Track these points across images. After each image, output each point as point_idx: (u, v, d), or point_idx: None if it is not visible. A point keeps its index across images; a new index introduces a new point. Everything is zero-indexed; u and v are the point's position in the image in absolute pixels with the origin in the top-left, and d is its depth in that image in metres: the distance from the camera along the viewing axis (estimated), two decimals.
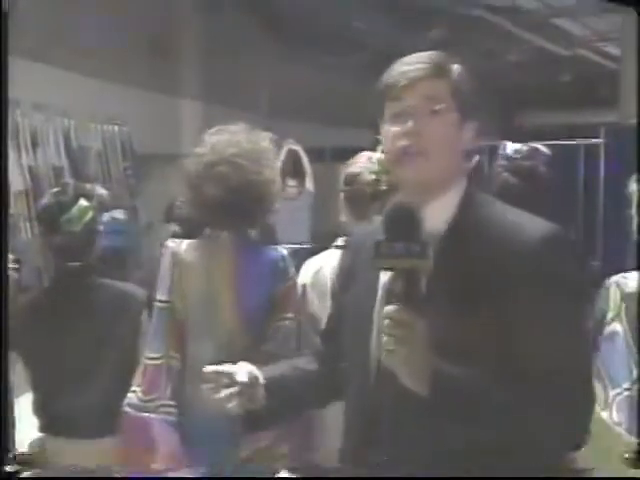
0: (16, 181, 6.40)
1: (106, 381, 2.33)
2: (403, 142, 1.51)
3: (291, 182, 7.65)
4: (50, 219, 2.46)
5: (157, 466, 2.22)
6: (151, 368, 2.31)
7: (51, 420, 2.48)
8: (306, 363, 1.74)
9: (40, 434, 2.50)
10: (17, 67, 6.87)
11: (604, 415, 2.15)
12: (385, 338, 1.37)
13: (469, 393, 1.40)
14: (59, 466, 2.39)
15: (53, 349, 2.46)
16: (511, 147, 2.45)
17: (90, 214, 2.44)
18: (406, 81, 1.52)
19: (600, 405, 2.13)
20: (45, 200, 2.52)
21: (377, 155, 2.43)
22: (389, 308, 1.38)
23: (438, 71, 1.53)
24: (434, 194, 1.51)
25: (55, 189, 2.56)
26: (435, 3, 8.32)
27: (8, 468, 1.67)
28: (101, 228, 2.49)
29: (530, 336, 1.42)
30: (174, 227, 2.48)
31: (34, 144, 6.63)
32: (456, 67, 1.57)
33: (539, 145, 2.50)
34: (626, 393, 2.13)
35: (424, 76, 1.52)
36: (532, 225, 1.49)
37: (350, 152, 2.63)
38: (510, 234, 1.47)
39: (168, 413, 2.30)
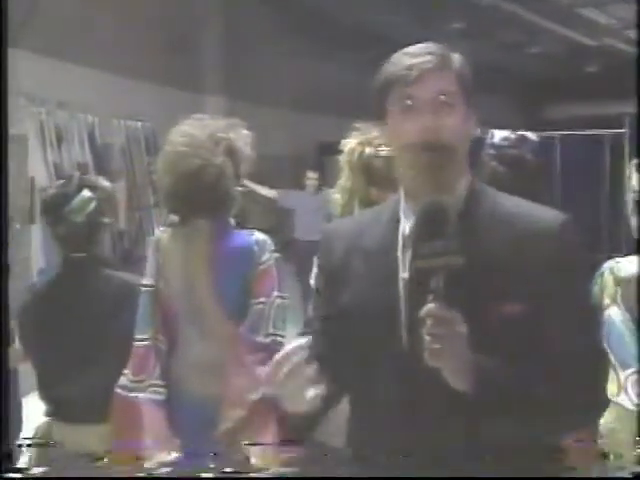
0: (41, 177, 6.51)
1: (108, 368, 2.34)
2: (419, 136, 1.45)
3: (311, 174, 7.64)
4: (54, 210, 2.46)
5: (144, 444, 2.26)
6: (139, 349, 2.35)
7: (56, 405, 2.50)
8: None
9: (46, 419, 2.53)
10: (42, 66, 6.98)
11: (620, 399, 2.16)
12: (428, 337, 1.34)
13: (510, 387, 1.38)
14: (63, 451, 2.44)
15: (57, 336, 2.47)
16: (498, 135, 2.43)
17: (92, 205, 2.44)
18: (417, 73, 1.45)
19: (613, 388, 2.14)
20: (50, 191, 2.55)
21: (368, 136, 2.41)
22: (430, 307, 1.34)
23: (444, 62, 1.48)
24: (444, 187, 1.46)
25: (61, 181, 2.59)
26: None
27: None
28: (106, 220, 2.51)
29: (557, 319, 1.41)
30: (172, 217, 2.51)
31: (59, 141, 6.72)
32: (458, 57, 1.52)
33: (526, 132, 2.48)
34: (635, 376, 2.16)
35: (434, 68, 1.46)
36: (547, 214, 1.49)
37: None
38: (527, 223, 1.45)
39: (156, 392, 2.34)
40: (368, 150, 2.36)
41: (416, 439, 1.43)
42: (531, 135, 2.48)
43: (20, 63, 6.29)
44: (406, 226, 1.49)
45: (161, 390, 2.36)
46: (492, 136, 2.49)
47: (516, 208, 1.49)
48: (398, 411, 1.46)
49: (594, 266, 2.23)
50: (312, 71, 9.82)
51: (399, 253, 1.49)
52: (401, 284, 1.47)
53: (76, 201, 2.47)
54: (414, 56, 1.47)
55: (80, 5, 6.81)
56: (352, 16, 9.21)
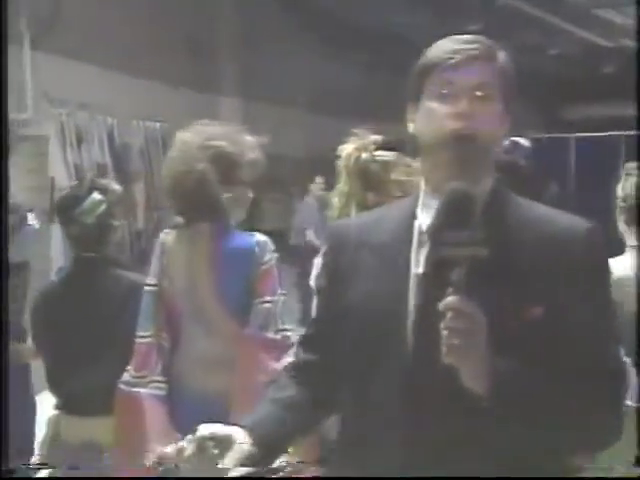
0: (61, 177, 6.63)
1: (114, 364, 2.41)
2: (454, 123, 1.38)
3: (318, 180, 7.73)
4: (66, 210, 2.55)
5: (145, 437, 2.34)
6: (141, 346, 2.42)
7: (65, 399, 2.58)
8: (281, 390, 1.54)
9: (56, 412, 2.62)
10: (63, 68, 7.10)
11: None
12: (446, 332, 1.25)
13: (528, 390, 1.31)
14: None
15: (67, 332, 2.56)
16: None
17: (102, 207, 2.52)
18: (462, 58, 1.39)
19: None
20: (63, 193, 2.65)
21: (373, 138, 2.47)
22: (451, 299, 1.25)
23: (491, 53, 1.42)
24: (474, 180, 1.39)
25: (74, 183, 2.68)
26: None
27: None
28: (116, 222, 2.59)
29: (583, 323, 1.35)
30: (177, 219, 2.59)
31: (79, 142, 6.85)
32: (504, 54, 1.45)
33: (519, 139, 2.54)
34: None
35: (480, 55, 1.40)
36: (574, 219, 1.43)
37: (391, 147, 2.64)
38: (553, 226, 1.40)
39: (158, 388, 2.41)
40: (365, 155, 2.41)
41: (417, 442, 1.36)
42: (524, 141, 2.54)
43: (42, 65, 6.43)
44: (423, 222, 1.42)
45: (162, 386, 2.42)
46: None
47: (540, 211, 1.46)
48: (398, 414, 1.38)
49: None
50: (328, 73, 9.88)
51: (413, 250, 1.42)
52: (412, 281, 1.40)
53: (87, 203, 2.55)
54: (461, 42, 1.42)
55: (100, 8, 6.92)
56: (369, 18, 9.26)
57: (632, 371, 2.26)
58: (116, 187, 2.71)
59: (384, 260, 1.44)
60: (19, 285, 2.61)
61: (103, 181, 2.74)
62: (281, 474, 1.45)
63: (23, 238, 2.68)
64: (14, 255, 2.60)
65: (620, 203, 2.40)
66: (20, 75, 6.34)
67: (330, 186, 2.61)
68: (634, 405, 2.19)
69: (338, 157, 2.43)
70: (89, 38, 6.75)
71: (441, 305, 1.26)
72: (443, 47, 1.42)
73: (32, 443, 2.88)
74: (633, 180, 2.39)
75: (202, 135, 2.50)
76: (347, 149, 2.43)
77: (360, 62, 10.37)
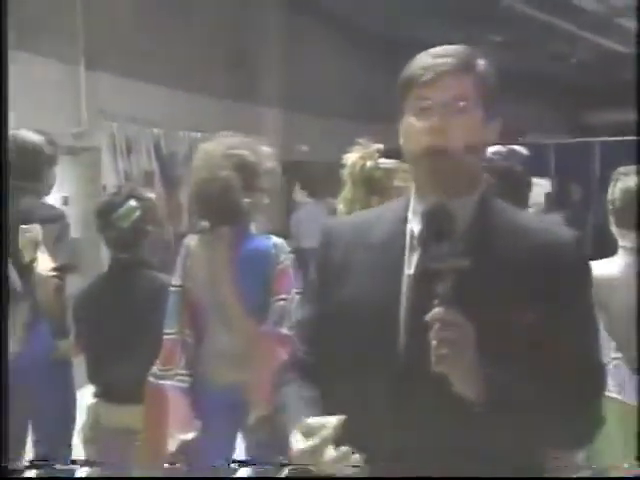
0: (112, 185, 6.82)
1: (146, 357, 2.50)
2: (429, 139, 1.34)
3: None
4: (104, 216, 2.65)
5: (170, 427, 2.45)
6: (167, 342, 2.52)
7: (103, 388, 2.70)
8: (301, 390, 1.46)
9: (94, 400, 2.73)
10: (114, 85, 7.26)
11: None
12: (435, 342, 1.23)
13: (519, 396, 1.29)
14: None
15: (104, 327, 2.67)
16: (491, 149, 2.54)
17: (137, 214, 2.63)
18: (433, 74, 1.35)
19: None
20: (102, 199, 2.77)
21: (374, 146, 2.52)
22: (438, 311, 1.24)
23: (465, 65, 1.36)
24: (457, 194, 1.36)
25: (112, 190, 2.80)
26: (500, 6, 8.28)
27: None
28: (149, 227, 2.71)
29: (565, 332, 1.33)
30: (201, 224, 2.69)
31: (129, 151, 7.03)
32: (481, 62, 1.40)
33: (516, 147, 2.57)
34: (614, 362, 2.25)
35: (452, 70, 1.35)
36: (561, 228, 1.42)
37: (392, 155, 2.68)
38: (541, 235, 1.37)
39: (181, 381, 2.51)
40: (369, 163, 2.47)
41: (409, 445, 1.33)
42: (520, 149, 2.57)
43: (96, 83, 6.63)
44: (414, 226, 1.40)
45: (186, 379, 2.53)
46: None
47: (529, 220, 1.42)
48: (390, 415, 1.35)
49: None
50: (365, 82, 9.95)
51: (406, 252, 1.39)
52: (404, 282, 1.37)
53: (123, 209, 2.66)
54: (434, 57, 1.37)
55: (148, 30, 7.11)
56: (397, 29, 9.29)
57: (623, 366, 2.31)
58: (150, 195, 2.83)
59: (378, 260, 1.40)
60: (62, 287, 2.75)
61: (138, 189, 2.85)
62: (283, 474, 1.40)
63: (64, 246, 2.80)
64: (58, 259, 2.74)
65: (610, 206, 2.45)
66: (76, 92, 6.54)
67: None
68: (631, 402, 2.23)
69: (343, 166, 2.51)
70: (137, 57, 6.94)
71: (428, 316, 1.24)
72: (419, 62, 1.39)
73: (70, 437, 3.00)
74: (621, 184, 2.43)
75: (224, 145, 2.59)
76: (352, 158, 2.50)
77: (395, 72, 10.39)
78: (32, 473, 2.10)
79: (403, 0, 8.47)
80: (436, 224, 1.31)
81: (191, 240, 2.67)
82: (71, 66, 6.44)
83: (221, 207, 2.56)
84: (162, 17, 7.24)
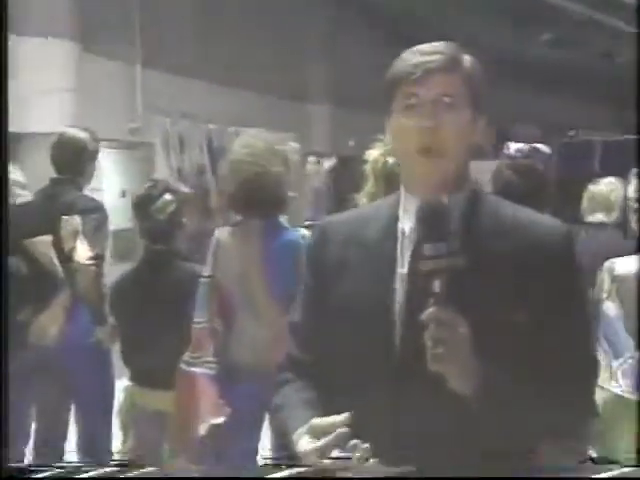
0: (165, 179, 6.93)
1: (178, 344, 2.53)
2: (418, 138, 1.31)
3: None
4: (141, 208, 2.71)
5: (199, 412, 2.49)
6: (197, 331, 2.56)
7: (136, 372, 2.76)
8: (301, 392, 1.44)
9: (129, 383, 2.80)
10: (168, 82, 7.37)
11: (611, 386, 2.22)
12: (430, 342, 1.20)
13: (513, 392, 1.27)
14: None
15: (138, 315, 2.71)
16: (514, 147, 2.49)
17: (173, 206, 2.69)
18: (421, 71, 1.31)
19: (605, 375, 2.21)
20: (138, 192, 2.82)
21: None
22: (433, 310, 1.21)
23: (453, 63, 1.33)
24: (446, 191, 1.33)
25: (148, 184, 2.84)
26: (549, 4, 8.12)
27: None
28: (183, 219, 2.75)
29: (560, 326, 1.30)
30: (237, 217, 2.71)
31: (181, 147, 7.13)
32: (468, 58, 1.37)
33: (539, 145, 2.52)
34: (630, 361, 2.21)
35: (440, 68, 1.32)
36: (551, 222, 1.38)
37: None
38: (531, 229, 1.34)
39: (210, 368, 2.55)
40: (390, 160, 2.48)
41: (406, 443, 1.29)
42: (543, 147, 2.53)
43: (150, 81, 6.74)
44: (405, 225, 1.36)
45: (214, 366, 2.57)
46: (508, 147, 2.55)
47: (519, 215, 1.38)
48: (387, 412, 1.32)
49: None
50: None
51: (398, 249, 1.35)
52: (398, 280, 1.33)
53: (160, 202, 2.71)
54: (421, 54, 1.34)
55: (200, 28, 7.19)
56: (447, 28, 9.19)
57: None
58: (185, 189, 2.87)
59: (371, 259, 1.37)
60: (99, 275, 2.81)
61: (174, 184, 2.90)
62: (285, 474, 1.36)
63: (101, 236, 2.86)
64: (95, 249, 2.80)
65: (633, 204, 2.39)
66: (132, 90, 6.67)
67: None
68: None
69: (365, 162, 2.51)
70: (190, 55, 7.03)
71: (423, 316, 1.21)
72: (406, 60, 1.35)
73: (110, 420, 3.06)
74: None
75: (268, 140, 2.61)
76: (373, 154, 2.50)
77: None
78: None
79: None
80: (428, 223, 1.27)
81: (222, 232, 2.70)
82: (128, 64, 6.55)
83: (269, 201, 2.57)
84: (213, 16, 7.31)
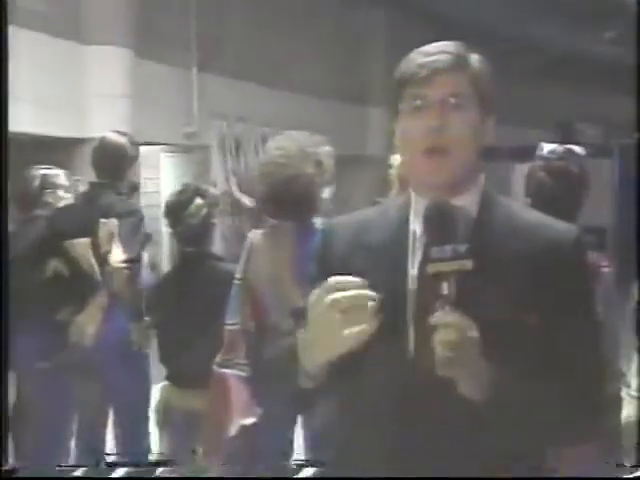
0: (221, 182, 7.02)
1: (211, 345, 2.55)
2: (424, 139, 1.30)
3: None
4: (175, 213, 2.75)
5: (231, 413, 2.49)
6: (229, 333, 2.56)
7: (171, 372, 2.80)
8: None
9: (165, 382, 2.84)
10: (223, 86, 7.47)
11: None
12: (440, 347, 1.19)
13: (525, 397, 1.25)
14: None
15: (173, 316, 2.76)
16: (547, 148, 2.41)
17: (204, 210, 2.73)
18: (428, 71, 1.30)
19: (636, 383, 2.13)
20: (170, 198, 2.86)
21: None
22: (442, 314, 1.19)
23: (460, 62, 1.32)
24: (455, 192, 1.32)
25: (179, 189, 2.89)
26: (610, 3, 7.90)
27: None
28: (214, 221, 2.78)
29: (571, 329, 1.29)
30: (272, 221, 2.72)
31: (237, 150, 7.21)
32: (476, 58, 1.35)
33: (573, 146, 2.44)
34: None
35: (446, 68, 1.30)
36: (562, 226, 1.36)
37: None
38: (543, 233, 1.32)
39: (242, 370, 2.55)
40: None
41: (415, 446, 1.28)
42: (578, 149, 2.46)
43: (207, 84, 6.84)
44: (416, 226, 1.34)
45: (246, 368, 2.58)
46: (542, 149, 2.49)
47: (530, 217, 1.37)
48: (399, 417, 1.30)
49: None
50: None
51: (409, 251, 1.33)
52: (410, 283, 1.31)
53: (192, 207, 2.75)
54: (427, 55, 1.32)
55: (255, 31, 7.26)
56: (510, 27, 9.03)
57: None
58: (216, 192, 2.90)
59: (381, 261, 1.34)
60: (133, 277, 2.87)
61: (203, 187, 2.93)
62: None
63: (136, 240, 2.92)
64: (128, 252, 2.86)
65: None
66: (189, 93, 6.78)
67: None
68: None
69: (390, 166, 2.49)
70: (245, 59, 7.10)
71: (432, 319, 1.20)
72: (413, 61, 1.34)
73: (147, 417, 3.11)
74: None
75: (299, 142, 2.61)
76: (399, 159, 2.48)
77: (504, 70, 10.12)
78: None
79: None
80: (435, 225, 1.26)
81: (255, 235, 2.71)
82: (184, 69, 6.67)
83: (301, 203, 2.57)
84: (268, 21, 7.37)
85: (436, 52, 1.33)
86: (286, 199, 2.54)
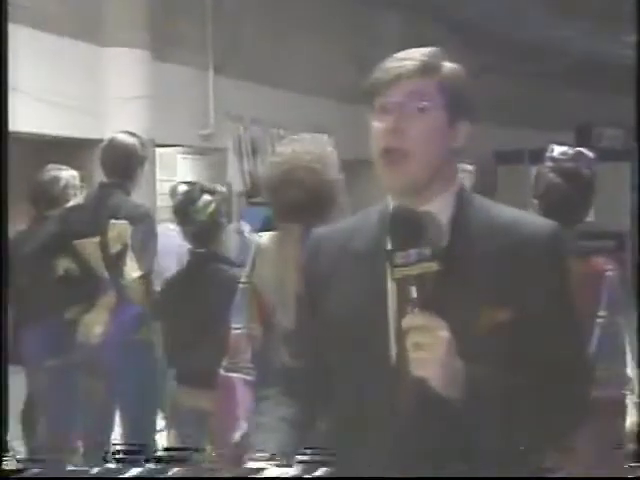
0: (237, 184, 7.04)
1: (217, 345, 2.54)
2: (385, 140, 1.31)
3: None
4: (183, 210, 2.73)
5: (235, 417, 2.49)
6: (234, 336, 2.56)
7: (178, 372, 2.79)
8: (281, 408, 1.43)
9: (172, 382, 2.82)
10: (240, 88, 7.49)
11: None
12: (412, 349, 1.21)
13: (502, 393, 1.27)
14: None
15: (182, 317, 2.74)
16: (557, 150, 2.39)
17: (213, 206, 2.70)
18: (390, 77, 1.33)
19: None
20: (178, 196, 2.86)
21: None
22: (411, 317, 1.22)
23: (425, 68, 1.33)
24: (426, 196, 1.33)
25: (186, 187, 2.88)
26: (628, 5, 7.83)
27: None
28: (223, 219, 2.78)
29: (548, 325, 1.30)
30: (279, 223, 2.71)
31: (254, 152, 7.23)
32: (448, 65, 1.37)
33: (583, 149, 2.43)
34: None
35: (409, 73, 1.32)
36: (538, 221, 1.38)
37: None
38: (517, 230, 1.33)
39: (247, 374, 2.55)
40: None
41: (404, 445, 1.30)
42: (587, 151, 2.44)
43: (223, 87, 6.87)
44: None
45: (252, 372, 2.57)
46: (552, 150, 2.47)
47: (508, 216, 1.37)
48: (384, 419, 1.31)
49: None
50: (489, 84, 9.71)
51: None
52: (389, 288, 1.32)
53: (200, 203, 2.75)
54: (395, 61, 1.35)
55: (271, 35, 7.28)
56: (528, 30, 8.99)
57: None
58: (223, 189, 2.90)
59: (364, 267, 1.36)
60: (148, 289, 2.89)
61: (210, 184, 2.93)
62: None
63: (150, 251, 2.92)
64: (144, 266, 2.87)
65: None
66: (205, 96, 6.81)
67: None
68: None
69: None
70: (261, 62, 7.12)
71: (403, 323, 1.23)
72: (381, 67, 1.36)
73: (155, 416, 3.12)
74: None
75: (322, 146, 2.59)
76: None
77: (523, 74, 10.07)
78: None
79: (528, 0, 8.19)
80: (401, 231, 1.27)
81: (262, 237, 2.71)
82: (199, 70, 6.70)
83: (308, 206, 2.56)
84: (284, 24, 7.39)
85: (402, 58, 1.35)
86: (313, 204, 2.51)
